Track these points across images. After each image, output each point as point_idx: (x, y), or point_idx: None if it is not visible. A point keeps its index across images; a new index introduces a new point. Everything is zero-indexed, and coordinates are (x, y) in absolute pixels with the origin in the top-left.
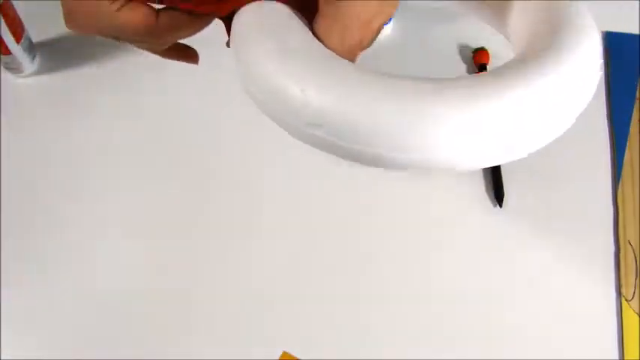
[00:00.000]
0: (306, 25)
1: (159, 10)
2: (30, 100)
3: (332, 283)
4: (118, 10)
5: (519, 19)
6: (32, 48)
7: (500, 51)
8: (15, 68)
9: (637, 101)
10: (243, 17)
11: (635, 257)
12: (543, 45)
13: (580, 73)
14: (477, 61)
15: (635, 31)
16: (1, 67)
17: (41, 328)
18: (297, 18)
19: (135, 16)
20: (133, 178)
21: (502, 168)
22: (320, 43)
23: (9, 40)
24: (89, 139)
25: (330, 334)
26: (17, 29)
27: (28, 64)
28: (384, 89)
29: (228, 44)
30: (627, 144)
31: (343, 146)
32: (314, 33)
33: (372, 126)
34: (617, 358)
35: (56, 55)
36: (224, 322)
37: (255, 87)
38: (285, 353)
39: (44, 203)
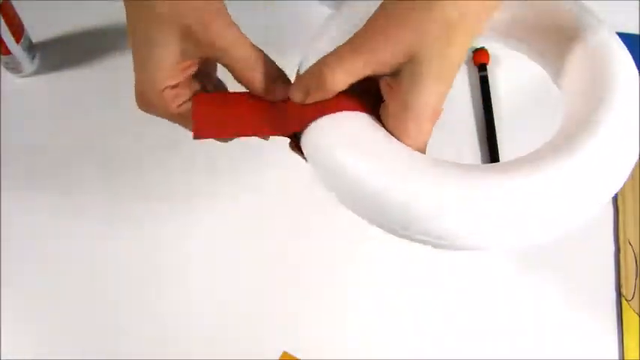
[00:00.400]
0: (379, 124)
1: None
2: (30, 100)
3: (332, 283)
4: (179, 107)
5: (570, 77)
6: (32, 48)
7: (499, 51)
8: (15, 68)
9: None
10: (320, 132)
11: (635, 257)
12: (587, 123)
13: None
14: (477, 60)
15: (635, 31)
16: (1, 67)
17: (41, 328)
18: (370, 120)
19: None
20: (133, 177)
21: None
22: (399, 143)
23: (9, 40)
24: (89, 139)
25: (330, 334)
26: (17, 29)
27: (27, 64)
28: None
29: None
30: None
31: (436, 243)
32: (387, 130)
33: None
34: (617, 358)
35: (56, 55)
36: (224, 322)
37: (360, 205)
38: (285, 353)
39: (44, 203)
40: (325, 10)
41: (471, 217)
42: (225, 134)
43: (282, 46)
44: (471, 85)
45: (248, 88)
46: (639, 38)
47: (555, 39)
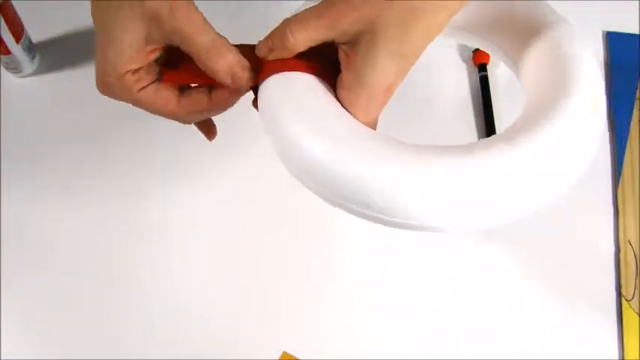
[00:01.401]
0: (331, 93)
1: (181, 92)
2: (30, 100)
3: (332, 283)
4: (139, 91)
5: (531, 65)
6: (32, 48)
7: None
8: (15, 68)
9: (637, 101)
10: (271, 91)
11: (635, 257)
12: (548, 105)
13: (577, 142)
14: (477, 60)
15: (635, 31)
16: (1, 67)
17: (41, 328)
18: (322, 88)
19: (156, 98)
20: (133, 176)
21: None
22: (347, 114)
23: (9, 40)
24: (89, 139)
25: (330, 334)
26: (17, 29)
27: (27, 64)
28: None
29: (254, 104)
30: (627, 144)
31: (383, 219)
32: (339, 100)
33: (413, 201)
34: (617, 358)
35: (56, 55)
36: (224, 323)
37: (294, 165)
38: (285, 353)
39: (44, 202)
40: None
41: (414, 195)
42: (189, 80)
43: None
44: (471, 85)
45: (212, 76)
46: (639, 38)
47: (516, 34)
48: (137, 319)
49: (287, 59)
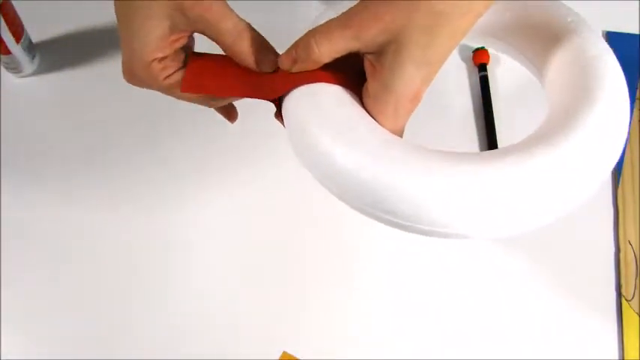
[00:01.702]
0: (357, 102)
1: None
2: (30, 100)
3: (332, 283)
4: (165, 79)
5: (555, 71)
6: (32, 48)
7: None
8: (15, 68)
9: (637, 101)
10: (299, 103)
11: (635, 257)
12: (571, 116)
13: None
14: (477, 60)
15: (635, 31)
16: (1, 67)
17: (41, 328)
18: (349, 98)
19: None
20: (134, 176)
21: None
22: (375, 123)
23: (9, 40)
24: (89, 139)
25: (330, 334)
26: (17, 29)
27: (27, 64)
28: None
29: (276, 116)
30: (627, 144)
31: (407, 225)
32: (366, 110)
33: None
34: (617, 358)
35: (56, 55)
36: (224, 322)
37: (321, 173)
38: (285, 353)
39: (44, 202)
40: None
41: (441, 202)
42: (211, 91)
43: (282, 46)
44: (471, 85)
45: (237, 61)
46: (639, 38)
47: (539, 38)
48: (137, 319)
49: (313, 71)
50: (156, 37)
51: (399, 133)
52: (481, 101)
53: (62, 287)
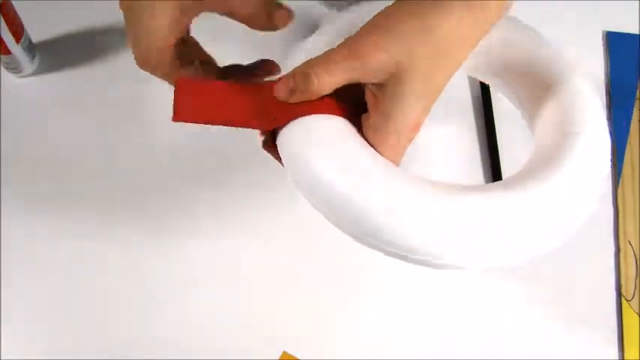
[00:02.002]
0: (357, 131)
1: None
2: (30, 100)
3: (332, 283)
4: (182, 65)
5: (543, 115)
6: (32, 48)
7: None
8: (15, 68)
9: (637, 101)
10: (297, 134)
11: (635, 257)
12: (555, 155)
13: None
14: None
15: (635, 31)
16: (1, 67)
17: (41, 328)
18: (349, 128)
19: (197, 71)
20: (134, 177)
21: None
22: (375, 153)
23: (9, 40)
24: (89, 139)
25: (330, 334)
26: (17, 29)
27: (27, 64)
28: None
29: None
30: (627, 144)
31: (403, 255)
32: (366, 140)
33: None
34: (617, 358)
35: (56, 55)
36: (224, 322)
37: (322, 204)
38: (285, 353)
39: (44, 203)
40: (325, 11)
41: (436, 231)
42: (203, 121)
43: (283, 46)
44: (471, 85)
45: (250, 25)
46: (639, 38)
47: (530, 81)
48: (136, 319)
49: (312, 102)
50: (167, 21)
51: (397, 161)
52: (481, 101)
53: (62, 287)
